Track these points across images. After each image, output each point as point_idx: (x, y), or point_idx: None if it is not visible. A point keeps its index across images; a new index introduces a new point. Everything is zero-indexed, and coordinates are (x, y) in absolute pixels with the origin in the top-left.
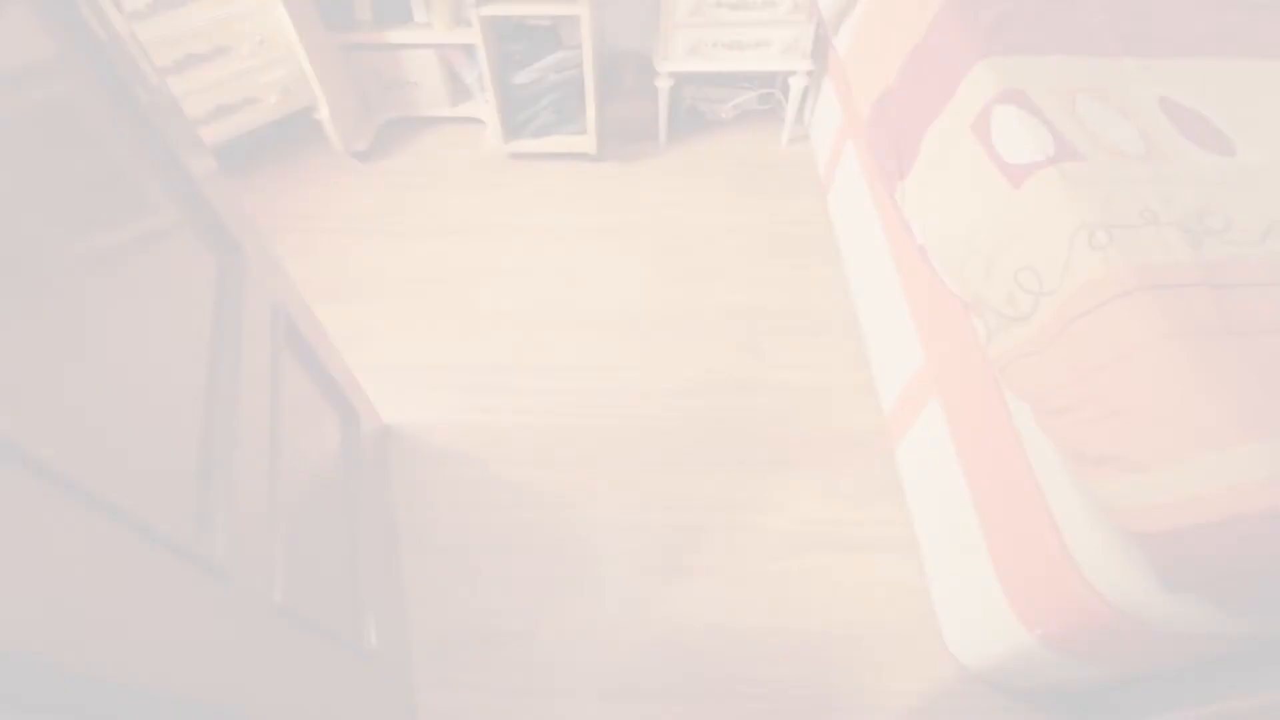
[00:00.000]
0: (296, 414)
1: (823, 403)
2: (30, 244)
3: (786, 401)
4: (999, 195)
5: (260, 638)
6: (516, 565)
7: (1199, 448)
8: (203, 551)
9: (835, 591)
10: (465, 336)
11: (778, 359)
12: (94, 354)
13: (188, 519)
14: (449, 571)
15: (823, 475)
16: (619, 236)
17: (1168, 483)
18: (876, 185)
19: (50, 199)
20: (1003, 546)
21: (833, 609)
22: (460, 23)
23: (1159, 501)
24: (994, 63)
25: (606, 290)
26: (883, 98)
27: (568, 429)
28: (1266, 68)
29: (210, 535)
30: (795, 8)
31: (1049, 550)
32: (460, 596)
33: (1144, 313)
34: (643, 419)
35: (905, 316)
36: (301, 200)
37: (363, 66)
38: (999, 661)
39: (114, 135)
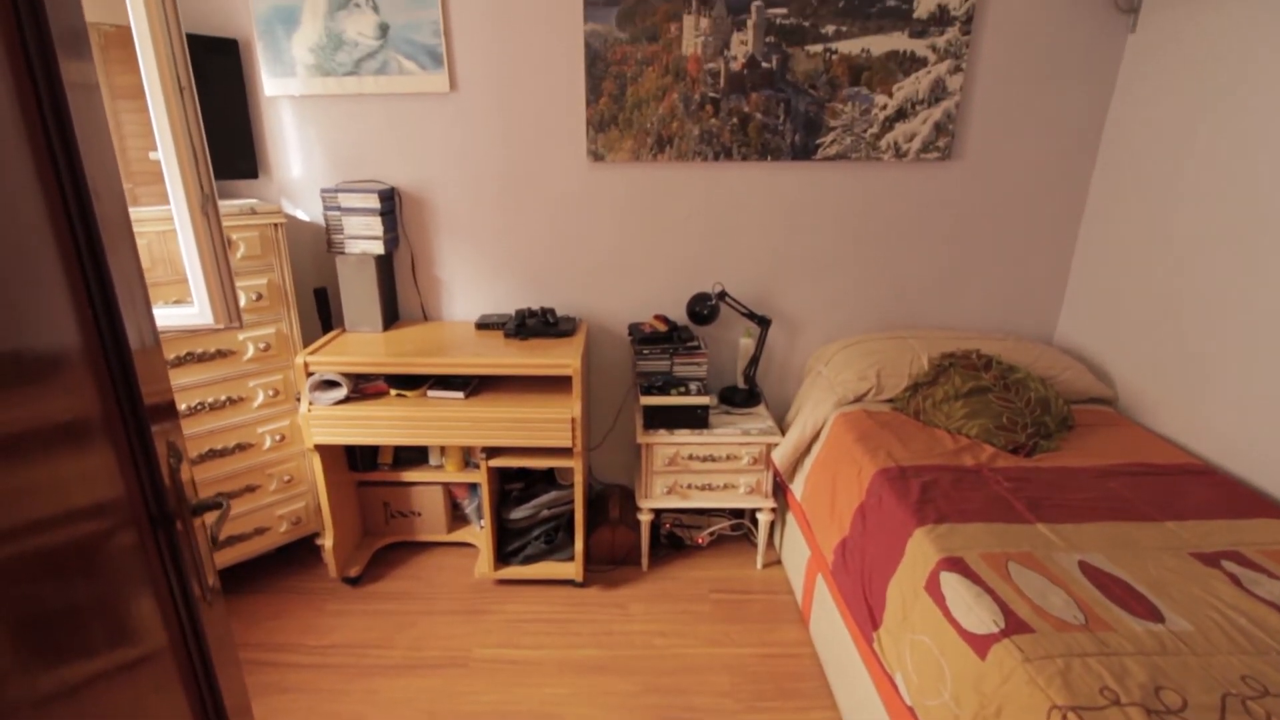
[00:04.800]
0: None
1: None
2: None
3: None
4: (969, 666)
5: None
6: None
7: None
8: None
9: None
10: None
11: None
12: None
13: None
14: None
15: None
16: (604, 674)
17: None
18: (854, 628)
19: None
20: None
21: None
22: (469, 466)
23: None
24: (929, 530)
25: None
26: (842, 545)
27: None
28: (1152, 528)
29: None
30: (754, 460)
31: None
32: None
33: None
34: None
35: None
36: (281, 630)
37: (373, 498)
38: None
39: (146, 588)
